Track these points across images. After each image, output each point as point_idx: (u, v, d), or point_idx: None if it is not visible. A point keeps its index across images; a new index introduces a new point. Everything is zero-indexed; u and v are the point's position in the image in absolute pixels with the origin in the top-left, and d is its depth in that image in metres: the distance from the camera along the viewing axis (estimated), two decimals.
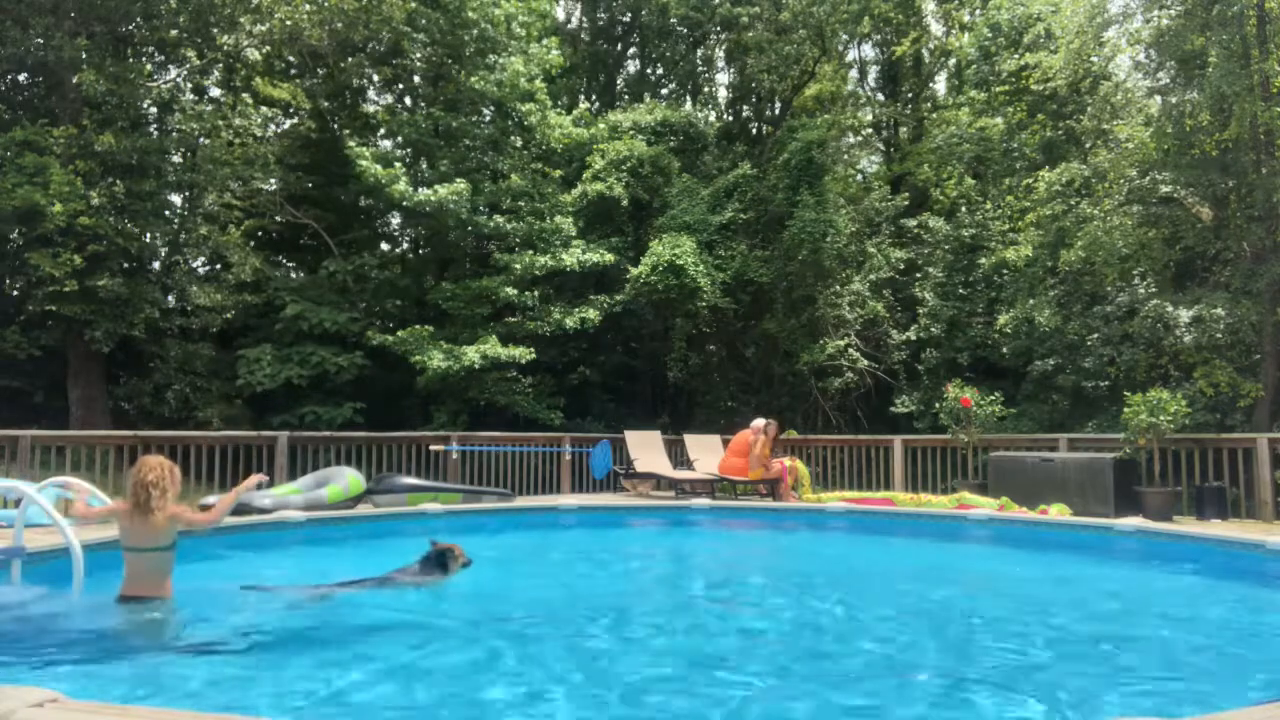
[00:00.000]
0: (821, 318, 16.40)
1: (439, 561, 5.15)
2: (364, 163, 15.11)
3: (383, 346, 15.29)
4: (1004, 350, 14.74)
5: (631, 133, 18.06)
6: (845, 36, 21.97)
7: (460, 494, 10.08)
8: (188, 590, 4.72)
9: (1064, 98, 15.01)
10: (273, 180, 17.27)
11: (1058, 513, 8.99)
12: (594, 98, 23.12)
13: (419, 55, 16.94)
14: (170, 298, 16.42)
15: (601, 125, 18.40)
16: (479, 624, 4.67)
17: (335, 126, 18.84)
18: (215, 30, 15.08)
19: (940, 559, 7.71)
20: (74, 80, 14.23)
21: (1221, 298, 11.45)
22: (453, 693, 3.47)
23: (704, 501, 9.97)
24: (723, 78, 25.15)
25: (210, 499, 8.52)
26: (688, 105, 23.01)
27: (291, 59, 17.94)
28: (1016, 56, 15.52)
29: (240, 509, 8.29)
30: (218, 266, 18.28)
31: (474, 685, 3.57)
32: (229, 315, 16.71)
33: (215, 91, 17.86)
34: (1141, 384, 11.58)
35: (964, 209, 17.23)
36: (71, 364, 15.17)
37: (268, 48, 16.44)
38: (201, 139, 15.54)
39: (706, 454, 12.13)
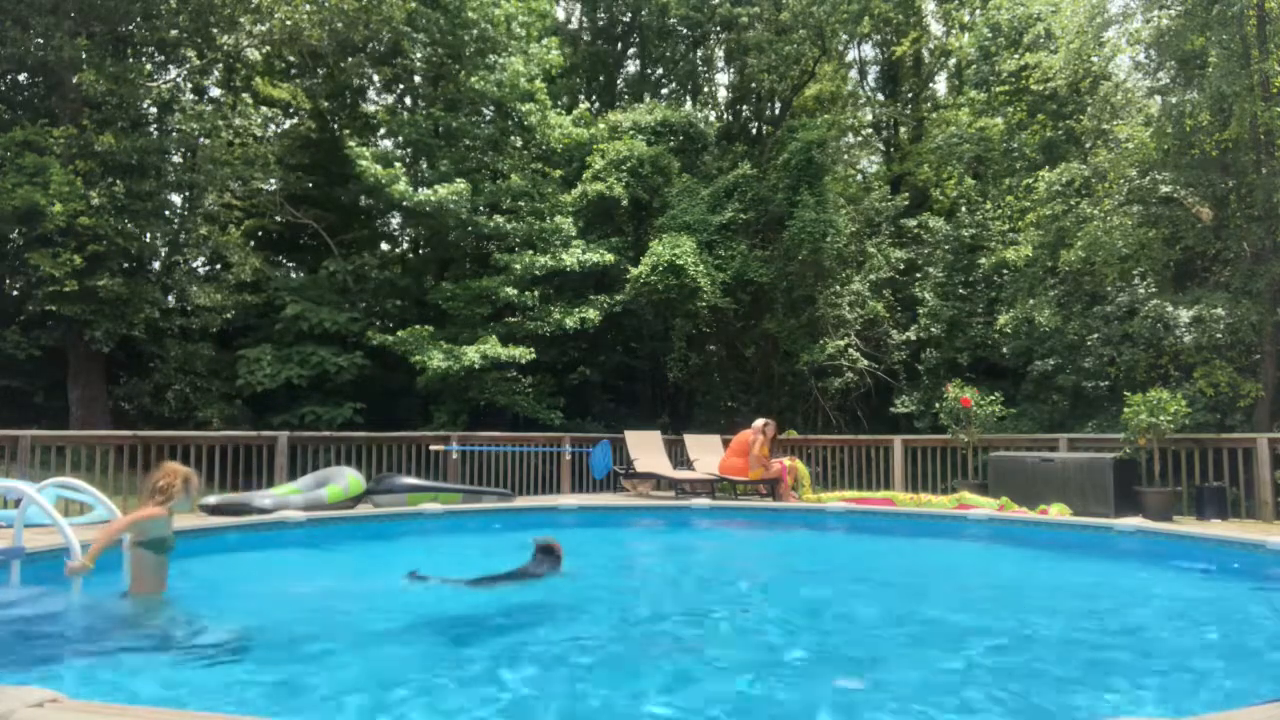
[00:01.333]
0: (821, 318, 16.40)
1: (555, 556, 5.60)
2: (364, 163, 15.12)
3: (383, 346, 15.30)
4: (1004, 350, 14.74)
5: (631, 133, 18.05)
6: (845, 36, 21.96)
7: (460, 494, 10.08)
8: (209, 591, 4.72)
9: (1064, 98, 15.00)
10: (273, 180, 17.28)
11: (1058, 513, 8.98)
12: (594, 98, 23.11)
13: (419, 55, 16.95)
14: (170, 298, 16.44)
15: (601, 125, 18.40)
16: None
17: (335, 126, 18.85)
18: (215, 30, 15.08)
19: (940, 559, 7.71)
20: (74, 80, 14.24)
21: (1221, 298, 11.44)
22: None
23: (704, 501, 9.96)
24: (723, 78, 25.19)
25: (211, 499, 8.53)
26: (688, 105, 23.01)
27: (291, 59, 17.94)
28: (1016, 56, 15.49)
29: (241, 509, 8.30)
30: (218, 266, 18.29)
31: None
32: (229, 315, 16.71)
33: (215, 91, 17.87)
34: (1141, 384, 11.57)
35: (964, 209, 17.22)
36: (71, 364, 15.18)
37: (268, 48, 16.45)
38: (201, 139, 15.55)
39: (706, 454, 12.12)
